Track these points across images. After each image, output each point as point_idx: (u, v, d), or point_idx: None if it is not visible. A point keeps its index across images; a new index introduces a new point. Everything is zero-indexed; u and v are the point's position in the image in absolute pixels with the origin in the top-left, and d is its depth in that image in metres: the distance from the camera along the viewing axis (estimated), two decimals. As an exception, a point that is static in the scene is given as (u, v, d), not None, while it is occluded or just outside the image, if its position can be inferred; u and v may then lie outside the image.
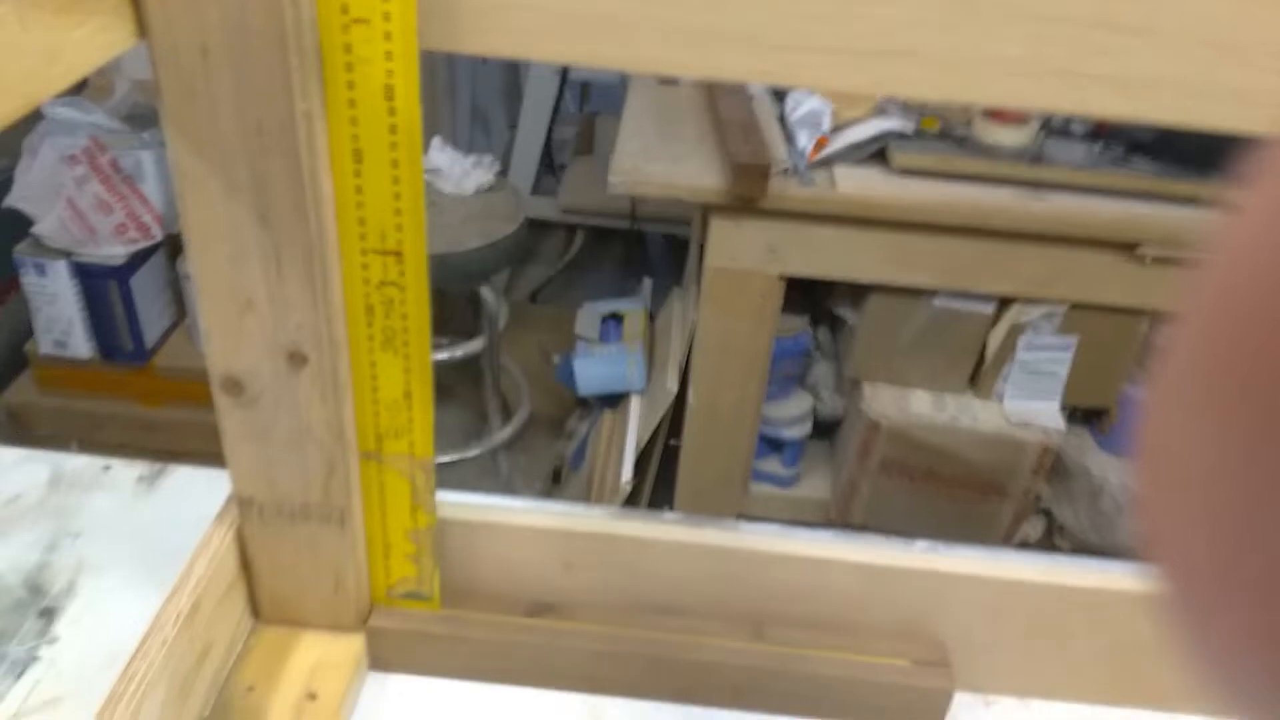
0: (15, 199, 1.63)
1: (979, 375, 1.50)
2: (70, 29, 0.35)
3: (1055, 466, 1.51)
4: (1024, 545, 1.58)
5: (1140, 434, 0.18)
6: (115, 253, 1.65)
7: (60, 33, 0.34)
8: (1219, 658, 0.16)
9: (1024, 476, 1.50)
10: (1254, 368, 0.14)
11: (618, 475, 1.48)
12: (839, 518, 1.60)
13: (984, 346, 1.47)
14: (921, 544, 0.58)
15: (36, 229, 1.64)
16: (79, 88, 1.65)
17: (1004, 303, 1.43)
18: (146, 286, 1.72)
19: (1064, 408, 1.50)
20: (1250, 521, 0.15)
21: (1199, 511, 0.16)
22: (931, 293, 1.42)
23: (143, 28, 0.39)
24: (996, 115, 1.36)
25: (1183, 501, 0.17)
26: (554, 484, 1.85)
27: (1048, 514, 1.60)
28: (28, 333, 1.78)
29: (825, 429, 1.69)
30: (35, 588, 0.59)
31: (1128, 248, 1.32)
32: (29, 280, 1.67)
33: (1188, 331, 0.16)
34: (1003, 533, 1.56)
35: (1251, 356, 0.14)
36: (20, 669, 0.54)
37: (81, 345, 1.73)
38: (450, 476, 1.90)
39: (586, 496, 1.60)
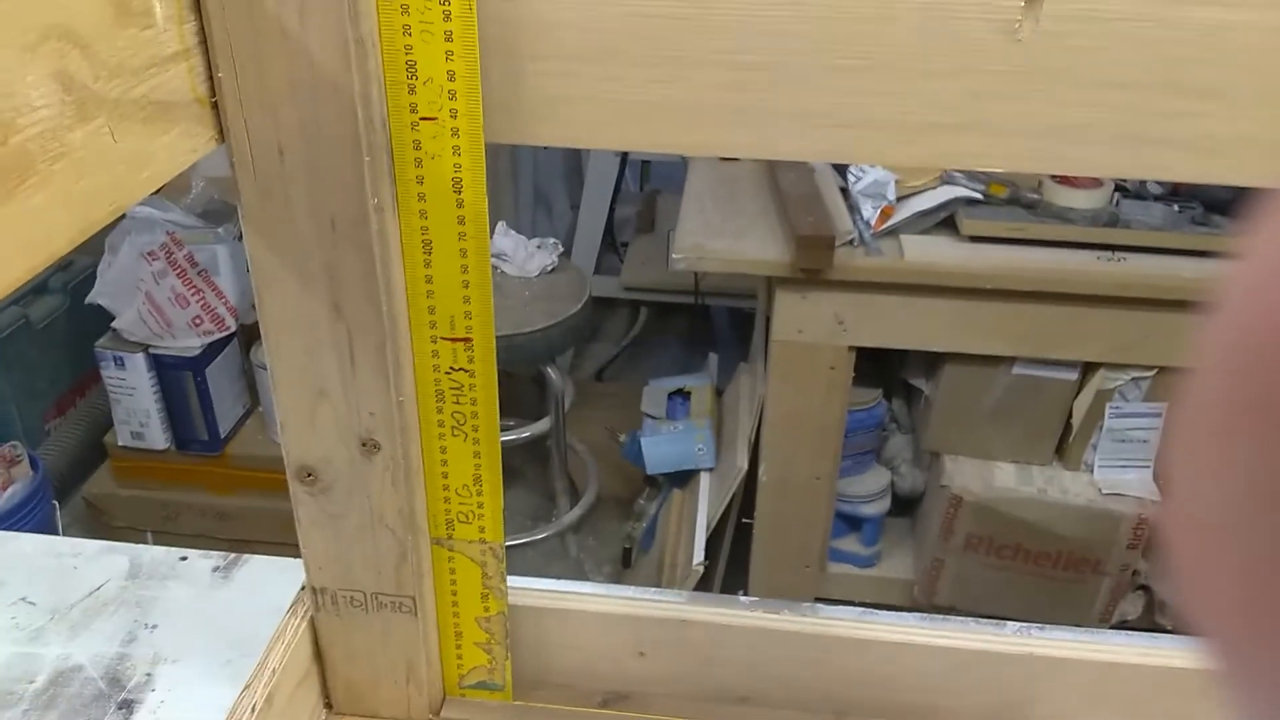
0: (97, 295, 1.70)
1: (1066, 445, 1.45)
2: (156, 137, 0.36)
3: (1153, 539, 1.44)
4: (1123, 624, 1.51)
5: (1166, 481, 0.17)
6: (191, 344, 1.71)
7: (147, 141, 0.36)
8: (1268, 712, 0.15)
9: (1120, 550, 1.43)
10: (1270, 407, 0.14)
11: (689, 556, 1.46)
12: (924, 598, 1.55)
13: (1069, 415, 1.43)
14: (1013, 626, 0.55)
15: (116, 323, 1.70)
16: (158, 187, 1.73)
17: (1088, 369, 1.39)
18: (220, 377, 1.77)
19: (1159, 476, 1.44)
20: None
21: (1230, 559, 0.15)
22: (1010, 360, 1.38)
23: (223, 133, 0.41)
24: (1067, 180, 1.34)
25: (1213, 550, 0.16)
26: (624, 566, 1.83)
27: (1147, 589, 1.52)
28: (107, 424, 1.84)
29: (905, 505, 1.65)
30: (114, 680, 0.60)
31: (1213, 308, 1.27)
32: (109, 373, 1.73)
33: (1205, 374, 0.16)
34: (1099, 611, 1.49)
35: (1268, 396, 0.14)
36: (100, 763, 0.54)
37: (158, 436, 1.78)
38: (518, 559, 1.89)
39: (658, 578, 1.57)
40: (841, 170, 1.44)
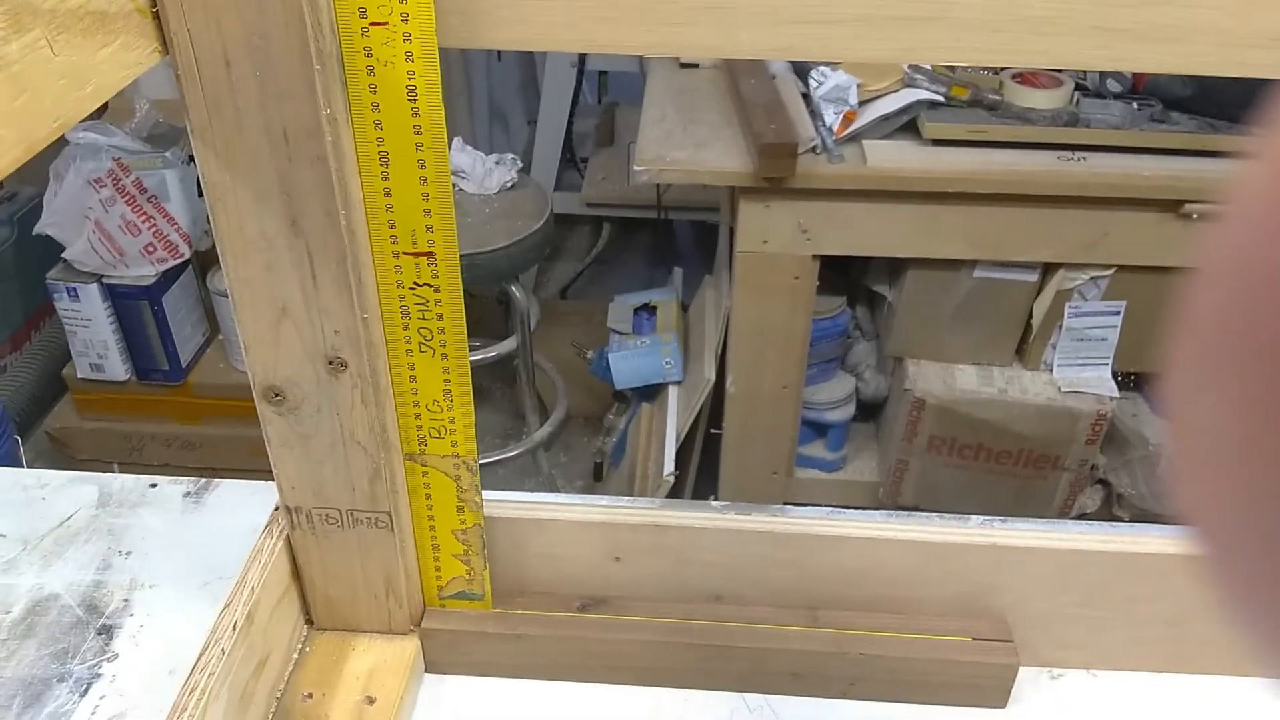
0: (44, 225, 1.65)
1: (1026, 345, 1.48)
2: (96, 50, 0.35)
3: (1110, 435, 1.48)
4: (1082, 517, 1.56)
5: (1167, 401, 0.17)
6: (145, 273, 1.67)
7: (87, 54, 0.34)
8: (1264, 625, 0.16)
9: (1078, 446, 1.47)
10: (1272, 329, 0.14)
11: (660, 468, 1.48)
12: (889, 499, 1.59)
13: (1029, 316, 1.45)
14: (977, 519, 0.57)
15: (67, 254, 1.66)
16: (100, 111, 1.67)
17: (1048, 270, 1.40)
18: (178, 305, 1.74)
19: (1116, 374, 1.47)
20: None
21: (1230, 478, 0.16)
22: (971, 264, 1.39)
23: (166, 44, 0.39)
24: (1028, 79, 1.33)
25: (1213, 469, 0.16)
26: (596, 480, 1.85)
27: (1105, 484, 1.57)
28: (65, 357, 1.80)
29: (869, 410, 1.67)
30: (92, 606, 0.60)
31: (1173, 206, 1.29)
32: (63, 305, 1.69)
33: (1205, 293, 0.16)
34: (1059, 506, 1.54)
35: (1270, 318, 0.14)
36: (84, 686, 0.55)
37: (118, 367, 1.76)
38: (491, 477, 1.89)
39: (629, 491, 1.60)
40: (803, 76, 1.42)
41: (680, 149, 1.35)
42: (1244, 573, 0.16)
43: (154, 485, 0.68)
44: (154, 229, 1.65)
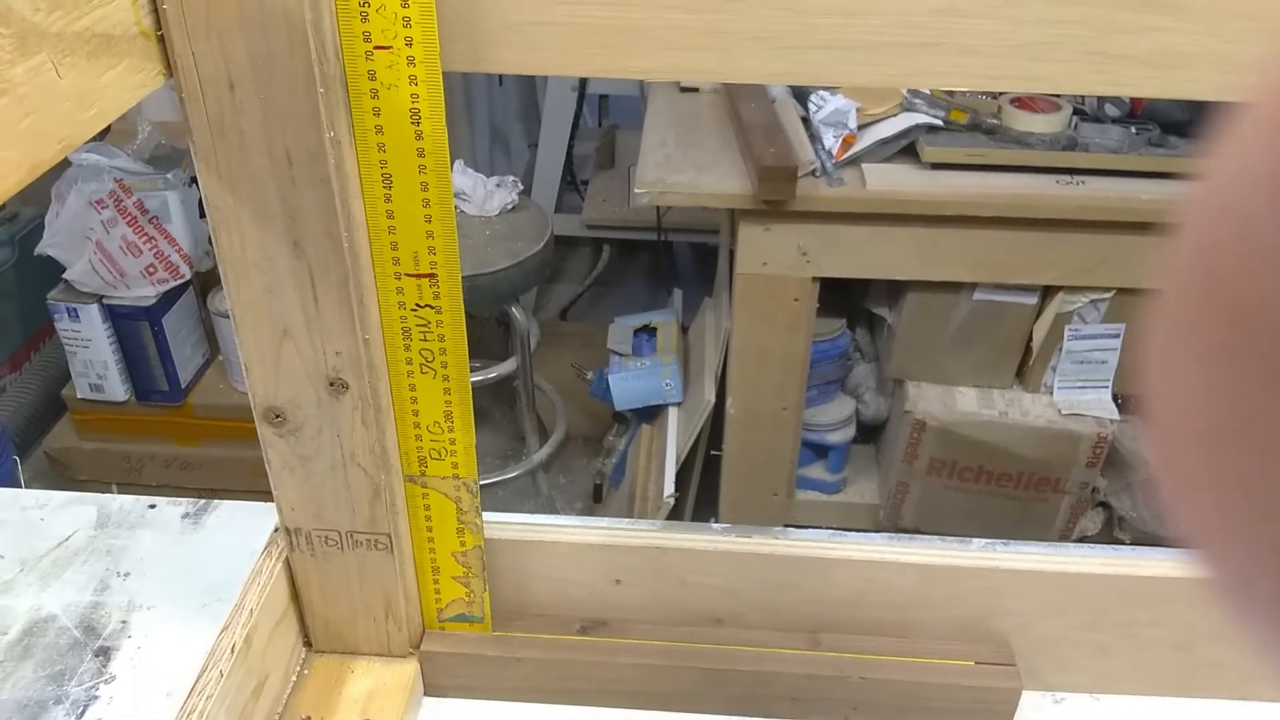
0: (46, 246, 1.65)
1: (1026, 368, 1.48)
2: (101, 73, 0.35)
3: (1111, 457, 1.48)
4: (1083, 540, 1.55)
5: (1146, 398, 0.17)
6: (146, 294, 1.67)
7: (93, 77, 0.35)
8: (1268, 628, 0.16)
9: (1079, 469, 1.46)
10: (1235, 319, 0.14)
11: (660, 490, 1.47)
12: (889, 522, 1.58)
13: (1029, 338, 1.45)
14: (978, 541, 0.57)
15: (68, 274, 1.66)
16: (103, 132, 1.68)
17: (1047, 292, 1.41)
18: (178, 326, 1.74)
19: (1116, 396, 1.47)
20: (1268, 481, 0.14)
21: (1215, 477, 0.16)
22: (971, 286, 1.40)
23: (170, 67, 0.40)
24: (1026, 104, 1.34)
25: (1198, 468, 0.16)
26: (595, 502, 1.84)
27: (1106, 506, 1.57)
28: (64, 377, 1.80)
29: (870, 432, 1.67)
30: (89, 628, 0.59)
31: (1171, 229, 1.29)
32: (63, 325, 1.69)
33: (1174, 289, 0.16)
34: (1060, 529, 1.53)
35: (1232, 308, 0.14)
36: (81, 709, 0.54)
37: (117, 388, 1.75)
38: (490, 499, 1.90)
39: (629, 513, 1.59)
40: (802, 100, 1.43)
41: (680, 172, 1.36)
42: (1239, 565, 0.16)
43: (153, 506, 0.68)
44: (155, 250, 1.66)
